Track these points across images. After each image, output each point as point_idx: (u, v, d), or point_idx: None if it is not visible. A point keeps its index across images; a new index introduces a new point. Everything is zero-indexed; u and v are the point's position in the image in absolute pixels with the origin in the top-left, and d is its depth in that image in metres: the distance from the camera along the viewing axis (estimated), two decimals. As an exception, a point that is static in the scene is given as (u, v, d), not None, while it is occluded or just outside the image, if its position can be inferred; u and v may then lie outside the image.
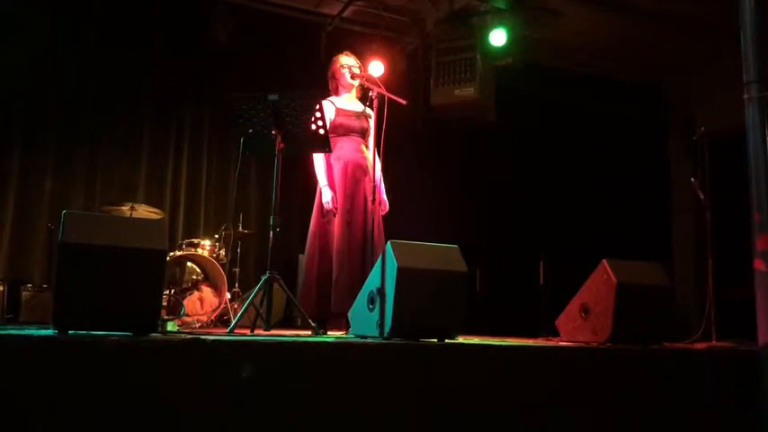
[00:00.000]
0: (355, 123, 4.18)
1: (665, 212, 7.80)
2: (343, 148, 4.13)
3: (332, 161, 4.15)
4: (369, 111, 4.19)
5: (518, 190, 7.04)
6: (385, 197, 4.22)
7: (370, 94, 3.93)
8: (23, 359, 2.14)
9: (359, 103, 4.28)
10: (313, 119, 3.56)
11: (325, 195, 4.06)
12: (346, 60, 4.25)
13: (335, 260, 3.97)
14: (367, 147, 4.25)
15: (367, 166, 4.14)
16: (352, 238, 4.01)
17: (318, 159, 4.14)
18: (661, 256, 4.73)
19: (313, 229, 4.12)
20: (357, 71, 4.20)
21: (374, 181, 3.81)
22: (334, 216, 4.04)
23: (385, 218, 4.17)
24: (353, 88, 4.27)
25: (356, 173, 4.11)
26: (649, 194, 7.66)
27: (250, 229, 5.91)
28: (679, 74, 7.43)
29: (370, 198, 3.93)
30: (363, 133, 4.22)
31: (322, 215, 4.11)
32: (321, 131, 3.60)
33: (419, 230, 3.91)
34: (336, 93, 4.30)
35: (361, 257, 3.98)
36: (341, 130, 4.14)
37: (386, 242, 3.04)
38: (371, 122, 4.19)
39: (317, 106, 3.54)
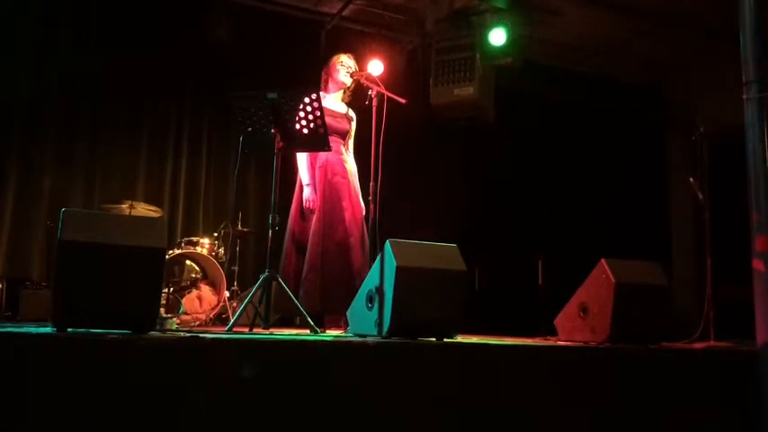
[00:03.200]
0: (337, 124, 4.19)
1: (663, 212, 7.81)
2: None
3: (311, 159, 4.17)
4: (351, 113, 4.24)
5: (517, 189, 7.05)
6: (362, 201, 4.22)
7: (369, 92, 3.93)
8: (22, 357, 2.14)
9: (343, 105, 4.30)
10: (312, 117, 3.56)
11: (307, 193, 4.10)
12: (345, 60, 4.27)
13: (308, 258, 3.99)
14: (347, 149, 4.28)
15: (345, 169, 4.17)
16: (329, 238, 4.02)
17: (302, 158, 4.16)
18: (660, 256, 4.73)
19: (291, 228, 4.14)
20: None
21: (353, 186, 3.80)
22: (312, 214, 4.07)
23: (384, 217, 4.16)
24: (342, 89, 4.28)
25: (335, 174, 4.13)
26: (648, 194, 7.66)
27: (249, 227, 5.91)
28: (678, 74, 7.43)
29: (348, 200, 3.95)
30: (344, 135, 4.25)
31: (300, 214, 4.13)
32: (320, 130, 3.60)
33: (418, 229, 3.91)
34: (326, 89, 4.31)
35: (339, 258, 3.99)
36: None
37: (370, 242, 3.04)
38: (353, 125, 4.25)
39: (318, 104, 3.54)
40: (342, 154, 4.23)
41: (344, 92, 4.32)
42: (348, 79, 4.21)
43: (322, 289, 3.93)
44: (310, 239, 4.02)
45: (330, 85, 4.31)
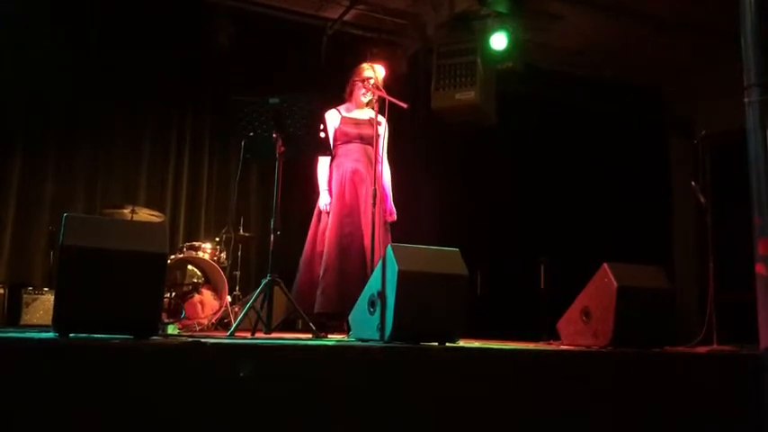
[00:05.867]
0: (357, 131, 4.20)
1: (665, 216, 7.80)
2: (346, 154, 4.17)
3: (333, 167, 4.19)
4: (379, 119, 4.19)
5: (519, 193, 7.04)
6: (392, 205, 4.22)
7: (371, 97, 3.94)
8: (24, 362, 2.13)
9: (367, 110, 4.29)
10: (314, 122, 3.56)
11: (323, 199, 4.14)
12: (368, 74, 4.24)
13: (324, 261, 4.01)
14: (375, 153, 4.23)
15: (369, 173, 4.15)
16: (349, 242, 4.02)
17: (321, 164, 4.18)
18: (662, 260, 4.72)
19: (311, 236, 4.16)
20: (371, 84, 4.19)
21: (374, 186, 3.81)
22: (328, 217, 4.09)
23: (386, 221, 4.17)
24: (363, 102, 4.30)
25: (354, 179, 4.13)
26: (650, 198, 7.65)
27: (251, 232, 5.91)
28: (680, 77, 7.43)
29: (367, 204, 3.95)
30: (368, 140, 4.21)
31: (319, 220, 4.15)
32: (321, 135, 3.61)
33: (420, 234, 3.91)
34: (349, 98, 4.33)
35: (359, 262, 3.99)
36: (344, 137, 4.17)
37: (371, 246, 3.03)
38: (381, 130, 4.17)
39: (318, 109, 3.55)
40: (364, 158, 4.20)
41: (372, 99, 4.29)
42: (364, 98, 4.22)
43: (339, 290, 3.94)
44: (327, 241, 4.05)
45: (352, 96, 4.31)
